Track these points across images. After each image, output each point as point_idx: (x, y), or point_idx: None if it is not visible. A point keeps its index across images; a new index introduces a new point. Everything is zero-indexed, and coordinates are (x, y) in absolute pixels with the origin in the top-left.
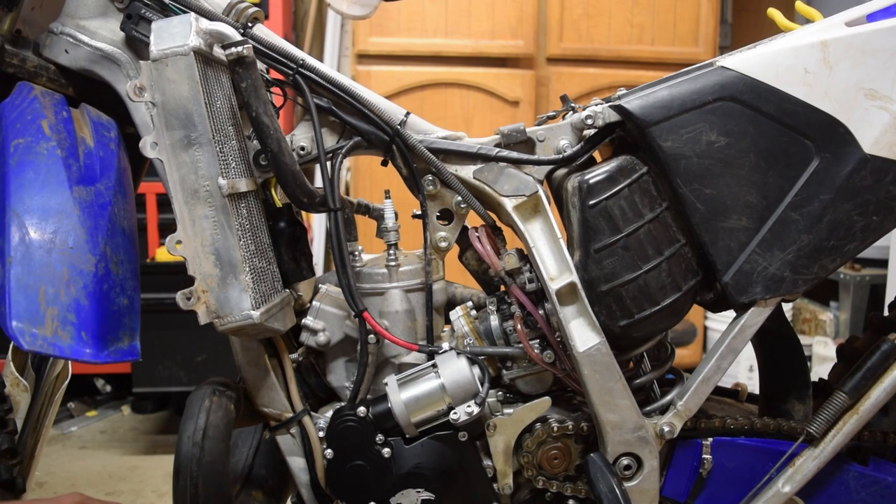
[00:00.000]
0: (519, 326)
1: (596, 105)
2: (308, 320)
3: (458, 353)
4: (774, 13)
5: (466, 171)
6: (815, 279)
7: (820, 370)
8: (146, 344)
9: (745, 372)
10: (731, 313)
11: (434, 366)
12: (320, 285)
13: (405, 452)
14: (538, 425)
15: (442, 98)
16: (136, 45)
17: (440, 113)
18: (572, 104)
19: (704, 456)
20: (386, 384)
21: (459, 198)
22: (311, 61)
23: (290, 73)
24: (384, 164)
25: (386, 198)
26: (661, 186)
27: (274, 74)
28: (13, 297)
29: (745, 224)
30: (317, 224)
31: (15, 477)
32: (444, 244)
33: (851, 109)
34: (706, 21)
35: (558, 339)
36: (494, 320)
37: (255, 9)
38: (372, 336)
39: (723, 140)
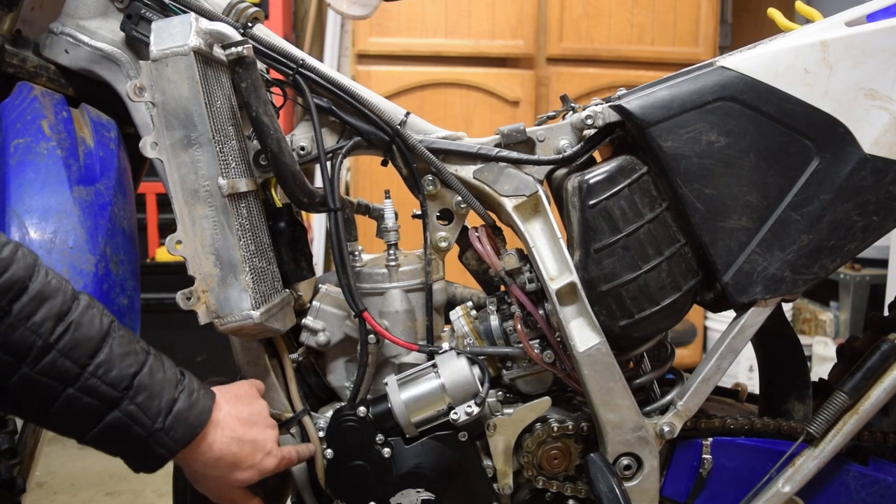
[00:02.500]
0: (519, 326)
1: (596, 105)
2: (308, 320)
3: (458, 353)
4: (774, 13)
5: (466, 171)
6: (816, 279)
7: (820, 370)
8: None
9: (745, 372)
10: (731, 313)
11: (434, 366)
12: (320, 285)
13: (405, 452)
14: (538, 425)
15: (442, 98)
16: (136, 45)
17: (440, 113)
18: (572, 104)
19: (704, 456)
20: (386, 384)
21: (459, 198)
22: (311, 61)
23: (290, 73)
24: (384, 164)
25: (386, 198)
26: (661, 186)
27: (274, 74)
28: None
29: (745, 224)
30: (317, 224)
31: (15, 477)
32: (444, 244)
33: (851, 109)
34: (706, 21)
35: (558, 339)
36: (494, 320)
37: (255, 9)
38: (372, 336)
39: (723, 140)
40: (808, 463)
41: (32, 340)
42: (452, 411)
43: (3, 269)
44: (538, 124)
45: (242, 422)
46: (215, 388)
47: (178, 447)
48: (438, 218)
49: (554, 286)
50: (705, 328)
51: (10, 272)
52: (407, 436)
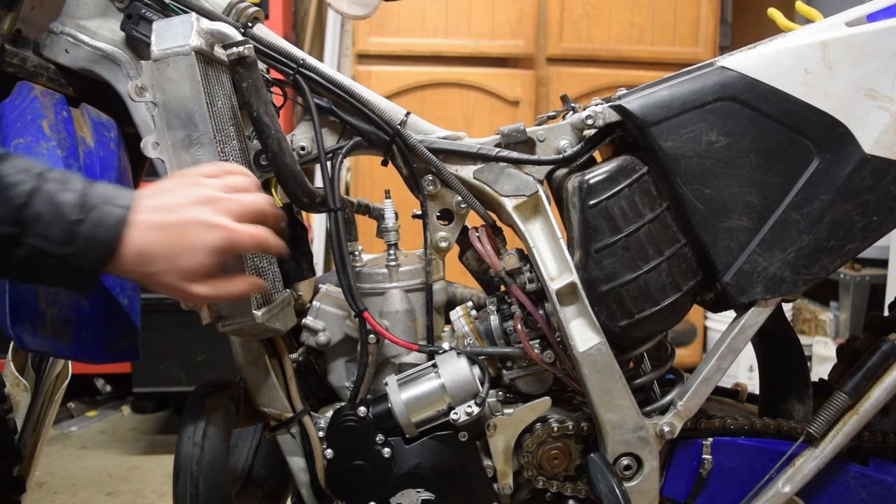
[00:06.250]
0: (519, 326)
1: (596, 105)
2: (308, 320)
3: (459, 353)
4: (774, 13)
5: (466, 171)
6: (816, 279)
7: (820, 370)
8: (146, 344)
9: (745, 372)
10: (731, 313)
11: (434, 366)
12: (320, 285)
13: (405, 452)
14: (538, 425)
15: (442, 98)
16: (137, 45)
17: (440, 113)
18: (572, 104)
19: (704, 456)
20: (386, 384)
21: (459, 198)
22: (312, 61)
23: (291, 72)
24: (384, 164)
25: (386, 198)
26: (661, 186)
27: (274, 74)
28: (13, 296)
29: (746, 224)
30: (317, 224)
31: (15, 477)
32: (444, 244)
33: (851, 109)
34: (706, 21)
35: (558, 339)
36: (494, 320)
37: (256, 8)
38: (372, 336)
39: (723, 140)
40: (808, 463)
41: None
42: (452, 411)
43: None
44: (538, 124)
45: (163, 209)
46: (144, 187)
47: (100, 266)
48: (438, 218)
49: (554, 286)
50: (705, 328)
51: None
52: (407, 436)
